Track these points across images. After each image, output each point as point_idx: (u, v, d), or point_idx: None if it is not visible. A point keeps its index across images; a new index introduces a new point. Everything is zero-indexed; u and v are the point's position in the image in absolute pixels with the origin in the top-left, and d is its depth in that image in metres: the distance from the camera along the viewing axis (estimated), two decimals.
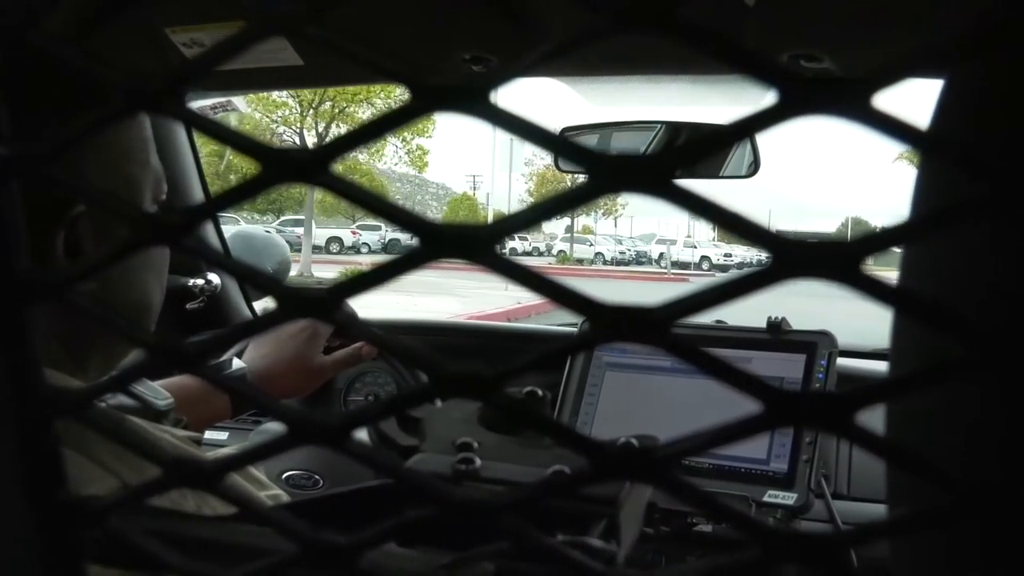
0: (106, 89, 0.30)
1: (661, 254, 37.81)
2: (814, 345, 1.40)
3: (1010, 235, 0.30)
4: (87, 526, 0.36)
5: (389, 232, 32.96)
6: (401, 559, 0.37)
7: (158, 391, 0.95)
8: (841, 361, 1.43)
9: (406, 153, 32.59)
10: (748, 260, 37.87)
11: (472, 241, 0.27)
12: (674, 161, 0.25)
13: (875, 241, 0.24)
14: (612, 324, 0.26)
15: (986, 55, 0.24)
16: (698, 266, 36.84)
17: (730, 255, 38.29)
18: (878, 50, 1.15)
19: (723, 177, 1.74)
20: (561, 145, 0.26)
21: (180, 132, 1.81)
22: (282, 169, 0.27)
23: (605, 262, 36.77)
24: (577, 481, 0.29)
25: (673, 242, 39.52)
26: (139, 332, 0.31)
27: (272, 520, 0.33)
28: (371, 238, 34.16)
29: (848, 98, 0.23)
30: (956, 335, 0.23)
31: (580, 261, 35.76)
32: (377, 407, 0.30)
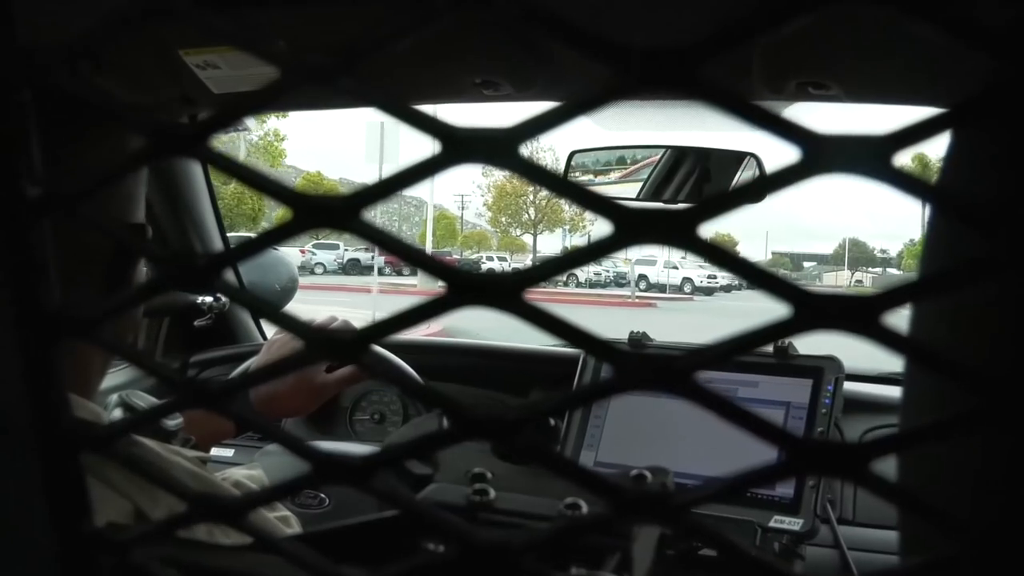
0: (124, 123, 0.30)
1: (641, 275, 34.69)
2: (820, 370, 1.40)
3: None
4: (108, 556, 0.37)
5: (348, 252, 31.86)
6: None
7: None
8: (848, 385, 1.43)
9: (259, 138, 28.76)
10: (736, 283, 35.06)
11: (498, 288, 0.27)
12: (699, 215, 0.25)
13: (897, 296, 0.25)
14: (637, 373, 0.26)
15: (1003, 115, 0.24)
16: (679, 288, 34.38)
17: (715, 277, 35.72)
18: (886, 78, 1.16)
19: None
20: (589, 198, 0.26)
21: (196, 166, 1.83)
22: (314, 216, 0.28)
23: (579, 284, 34.18)
24: (597, 523, 0.30)
25: (652, 262, 36.32)
26: (168, 371, 0.31)
27: (292, 554, 0.34)
28: (326, 257, 32.36)
29: (869, 158, 0.24)
30: (973, 388, 0.24)
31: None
32: (399, 449, 0.31)
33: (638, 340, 1.46)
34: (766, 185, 0.25)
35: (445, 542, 0.32)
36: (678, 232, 0.25)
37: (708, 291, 34.50)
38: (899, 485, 0.26)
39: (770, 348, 1.44)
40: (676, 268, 35.91)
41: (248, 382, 0.31)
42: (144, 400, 1.16)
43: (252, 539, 0.35)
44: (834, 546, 1.36)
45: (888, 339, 0.25)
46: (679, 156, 1.84)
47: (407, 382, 0.31)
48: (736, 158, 1.67)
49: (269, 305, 0.30)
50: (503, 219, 44.35)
